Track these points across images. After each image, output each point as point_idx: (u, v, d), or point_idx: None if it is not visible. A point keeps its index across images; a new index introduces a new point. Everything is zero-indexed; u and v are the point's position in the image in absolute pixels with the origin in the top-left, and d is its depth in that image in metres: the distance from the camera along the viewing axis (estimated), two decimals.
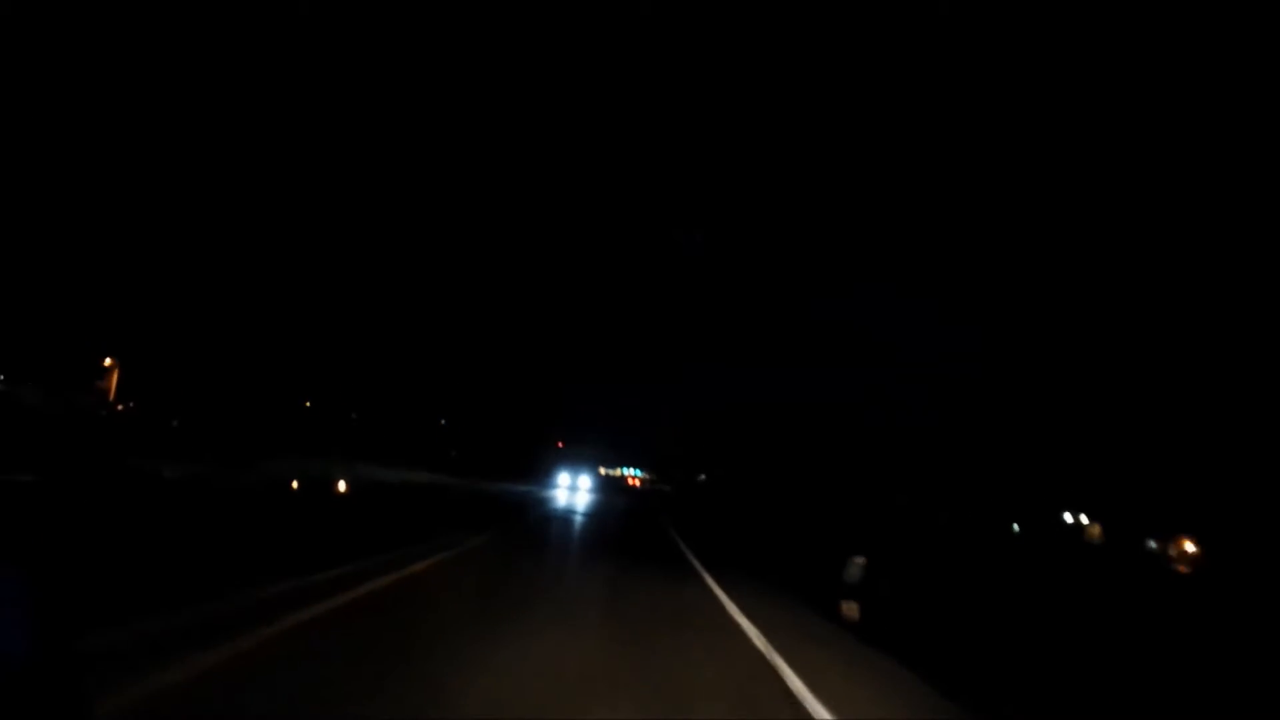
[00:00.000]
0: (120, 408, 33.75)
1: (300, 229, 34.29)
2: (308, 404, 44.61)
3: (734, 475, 54.28)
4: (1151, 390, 36.96)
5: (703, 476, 72.91)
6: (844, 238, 42.30)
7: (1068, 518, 45.38)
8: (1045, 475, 42.25)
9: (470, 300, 45.13)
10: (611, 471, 66.99)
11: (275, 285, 34.78)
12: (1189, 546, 38.29)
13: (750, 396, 54.73)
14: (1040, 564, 22.59)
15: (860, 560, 8.23)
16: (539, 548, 13.08)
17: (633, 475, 72.50)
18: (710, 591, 9.65)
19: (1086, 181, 33.45)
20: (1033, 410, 41.56)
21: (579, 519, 20.33)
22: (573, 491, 36.28)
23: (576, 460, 41.34)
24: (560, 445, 43.05)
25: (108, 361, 34.23)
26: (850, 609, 7.90)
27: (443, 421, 55.88)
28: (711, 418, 64.62)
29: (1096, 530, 42.76)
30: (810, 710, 4.84)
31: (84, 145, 24.43)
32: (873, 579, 8.14)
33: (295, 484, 16.14)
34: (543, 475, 38.20)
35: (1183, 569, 33.93)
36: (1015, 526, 44.98)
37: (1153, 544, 39.36)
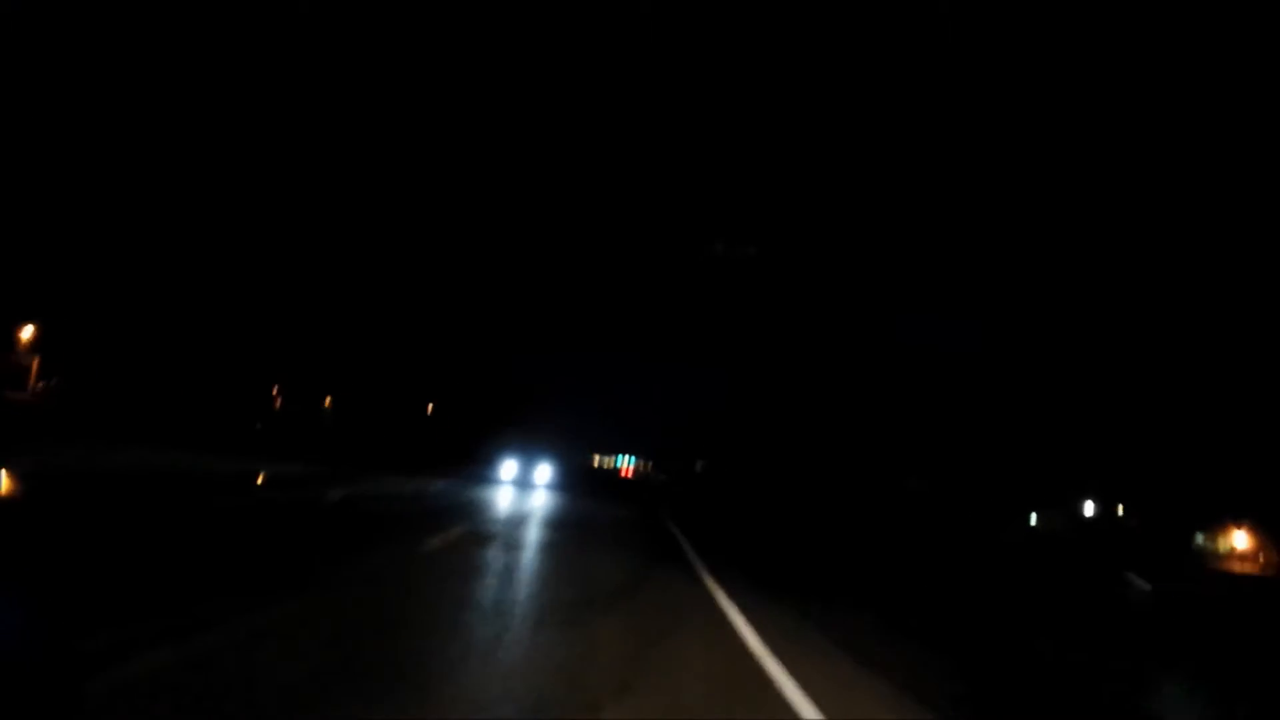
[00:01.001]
0: (40, 385, 31.32)
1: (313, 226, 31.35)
2: (276, 391, 41.16)
3: (756, 467, 49.31)
4: (1194, 379, 33.42)
5: (699, 465, 69.01)
6: (849, 241, 38.66)
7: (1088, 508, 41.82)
8: (1076, 465, 38.66)
9: (457, 278, 40.96)
10: (604, 459, 62.18)
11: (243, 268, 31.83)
12: (1240, 541, 34.68)
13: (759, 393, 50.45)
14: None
15: None
16: None
17: (627, 465, 67.00)
18: None
19: (1116, 165, 29.74)
20: (1059, 398, 37.93)
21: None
22: (522, 488, 21.87)
23: (541, 444, 24.80)
24: (521, 427, 29.17)
25: (25, 335, 30.89)
26: None
27: (429, 407, 52.11)
28: (715, 412, 60.64)
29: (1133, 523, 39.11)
30: None
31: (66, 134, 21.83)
32: None
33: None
34: (485, 463, 25.11)
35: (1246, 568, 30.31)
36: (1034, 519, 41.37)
37: (1200, 538, 35.66)
